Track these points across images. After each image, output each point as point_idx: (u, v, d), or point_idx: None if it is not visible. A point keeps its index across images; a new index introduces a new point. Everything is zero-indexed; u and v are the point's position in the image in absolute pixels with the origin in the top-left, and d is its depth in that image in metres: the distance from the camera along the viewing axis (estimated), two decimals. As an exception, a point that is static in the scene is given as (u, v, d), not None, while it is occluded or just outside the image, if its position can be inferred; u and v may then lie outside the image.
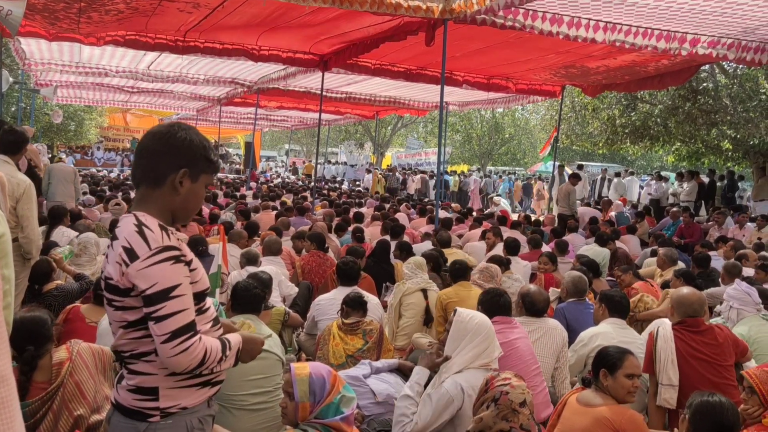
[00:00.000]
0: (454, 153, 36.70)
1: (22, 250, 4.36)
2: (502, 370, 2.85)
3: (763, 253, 7.89)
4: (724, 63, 13.25)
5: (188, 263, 1.92)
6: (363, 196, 17.29)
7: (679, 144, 16.64)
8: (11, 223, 4.22)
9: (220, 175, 25.50)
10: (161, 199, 1.95)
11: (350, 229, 8.48)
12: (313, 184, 16.33)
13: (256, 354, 2.15)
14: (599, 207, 14.48)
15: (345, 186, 24.43)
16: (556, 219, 11.86)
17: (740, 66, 13.22)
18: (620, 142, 16.98)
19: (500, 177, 27.47)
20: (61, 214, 6.74)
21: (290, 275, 6.30)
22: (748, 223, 10.85)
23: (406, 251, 6.59)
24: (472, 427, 2.51)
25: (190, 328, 1.85)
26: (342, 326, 4.17)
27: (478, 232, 9.04)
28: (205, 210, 10.09)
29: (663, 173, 18.63)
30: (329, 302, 4.78)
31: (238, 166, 32.77)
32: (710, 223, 11.88)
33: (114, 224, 7.64)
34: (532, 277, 6.72)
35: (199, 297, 1.97)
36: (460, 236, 9.41)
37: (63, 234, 6.45)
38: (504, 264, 6.12)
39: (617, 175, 20.06)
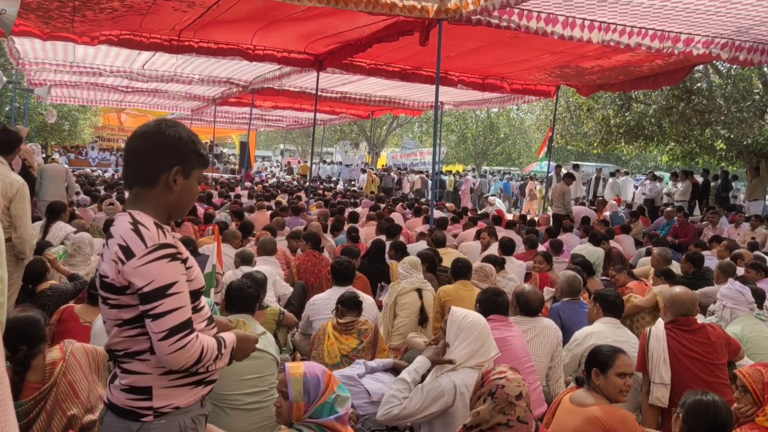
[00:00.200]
0: (449, 153, 36.76)
1: (16, 250, 4.35)
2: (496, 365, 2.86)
3: (758, 252, 7.92)
4: (717, 63, 13.30)
5: (184, 261, 1.92)
6: (358, 196, 17.30)
7: (673, 144, 16.69)
8: (4, 222, 4.22)
9: (215, 175, 25.48)
10: (156, 198, 1.95)
11: (345, 228, 8.48)
12: (308, 183, 16.32)
13: (250, 352, 2.15)
14: (594, 207, 14.52)
15: (340, 186, 24.42)
16: (551, 219, 11.89)
17: (734, 66, 13.28)
18: (615, 142, 17.02)
19: (493, 176, 27.53)
20: (59, 209, 6.70)
21: (285, 275, 6.29)
22: (744, 223, 10.89)
23: (400, 251, 6.60)
24: (469, 421, 2.51)
25: (187, 326, 1.85)
26: (337, 326, 4.17)
27: (472, 231, 9.06)
28: (200, 210, 10.08)
29: (657, 173, 18.67)
30: (324, 302, 4.78)
31: (233, 166, 32.71)
32: (704, 222, 11.93)
33: (109, 224, 7.65)
34: (527, 277, 6.74)
35: (195, 295, 1.97)
36: (455, 236, 9.42)
37: (61, 229, 6.42)
38: (498, 263, 6.14)
39: (612, 174, 20.11)
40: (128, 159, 1.97)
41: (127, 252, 1.81)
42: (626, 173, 22.07)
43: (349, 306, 4.24)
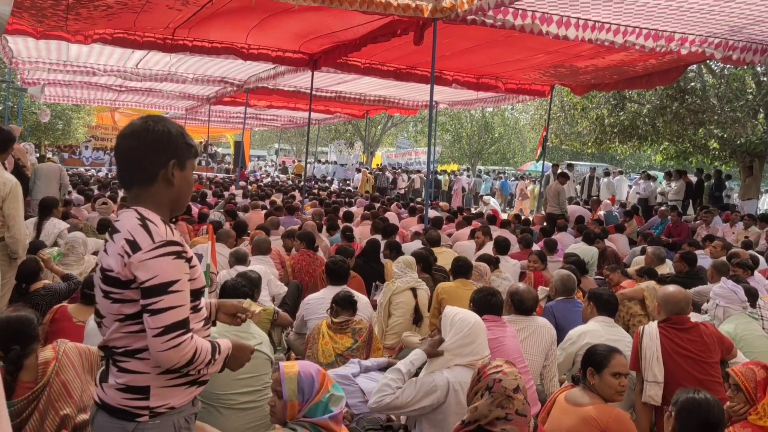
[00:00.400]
0: (444, 152, 36.80)
1: (9, 249, 4.33)
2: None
3: (751, 251, 7.94)
4: (711, 63, 13.35)
5: (188, 260, 1.93)
6: (353, 196, 17.29)
7: (667, 143, 16.76)
8: (-3, 222, 4.19)
9: (209, 174, 25.43)
10: (157, 195, 1.95)
11: (340, 228, 8.47)
12: (302, 183, 16.30)
13: (245, 362, 2.16)
14: (588, 206, 14.54)
15: (335, 185, 24.40)
16: (546, 218, 11.91)
17: (727, 66, 13.34)
18: (609, 142, 17.08)
19: (488, 175, 27.58)
20: (50, 205, 6.62)
21: (280, 274, 6.29)
22: (738, 222, 10.93)
23: (395, 250, 6.60)
24: (467, 416, 2.50)
25: (183, 325, 1.85)
26: (331, 325, 4.17)
27: (467, 231, 9.07)
28: (194, 209, 10.05)
29: (651, 172, 18.74)
30: (319, 301, 4.77)
31: (227, 165, 32.65)
32: (698, 221, 11.96)
33: (102, 223, 7.62)
34: (522, 276, 6.75)
35: (195, 295, 1.97)
36: (449, 235, 9.43)
37: (54, 226, 6.37)
38: (493, 263, 6.15)
39: (606, 174, 20.18)
40: (121, 161, 1.96)
41: (134, 245, 1.82)
42: (620, 173, 22.11)
43: (343, 305, 4.24)
